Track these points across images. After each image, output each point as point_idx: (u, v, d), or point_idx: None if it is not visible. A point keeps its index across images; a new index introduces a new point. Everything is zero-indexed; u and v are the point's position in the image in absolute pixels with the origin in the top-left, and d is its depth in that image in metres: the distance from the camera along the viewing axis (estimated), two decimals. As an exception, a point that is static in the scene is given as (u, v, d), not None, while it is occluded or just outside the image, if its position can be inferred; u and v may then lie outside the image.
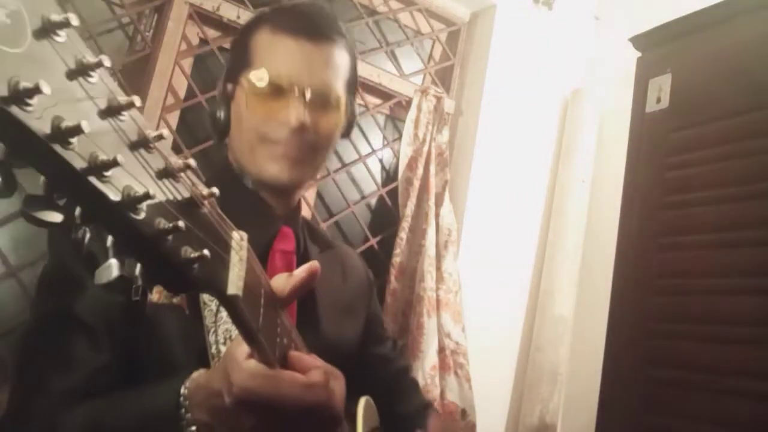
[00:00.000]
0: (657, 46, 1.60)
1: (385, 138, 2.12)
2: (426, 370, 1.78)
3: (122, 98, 0.36)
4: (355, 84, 0.93)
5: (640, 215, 1.53)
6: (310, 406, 0.54)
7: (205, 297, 0.74)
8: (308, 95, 0.82)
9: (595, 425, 1.48)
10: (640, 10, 2.18)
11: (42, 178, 0.33)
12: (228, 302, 0.46)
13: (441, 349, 1.84)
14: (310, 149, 0.85)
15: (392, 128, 2.17)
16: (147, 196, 0.35)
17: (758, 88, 1.35)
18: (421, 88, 2.09)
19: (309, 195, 1.94)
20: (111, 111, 0.35)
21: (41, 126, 0.30)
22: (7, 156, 0.31)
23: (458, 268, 1.95)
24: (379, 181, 2.10)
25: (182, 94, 1.72)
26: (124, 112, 0.36)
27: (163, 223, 0.37)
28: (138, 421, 0.64)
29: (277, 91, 0.82)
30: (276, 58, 0.84)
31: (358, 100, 2.06)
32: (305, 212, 1.91)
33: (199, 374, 0.61)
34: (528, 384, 2.05)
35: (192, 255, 0.40)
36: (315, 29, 0.85)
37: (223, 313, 0.73)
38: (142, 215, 0.36)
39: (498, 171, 2.14)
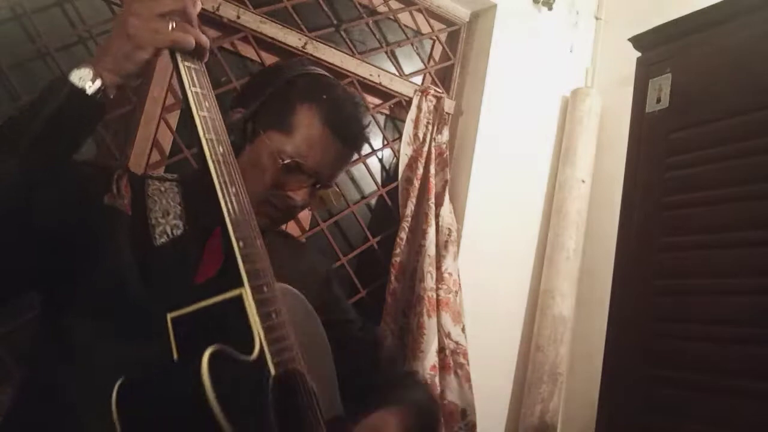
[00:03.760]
0: (657, 46, 1.60)
1: (385, 138, 2.12)
2: (426, 370, 1.78)
3: None
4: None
5: (640, 215, 1.52)
6: None
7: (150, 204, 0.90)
8: (319, 185, 0.98)
9: (595, 425, 1.48)
10: (640, 10, 2.18)
11: None
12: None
13: (441, 349, 1.84)
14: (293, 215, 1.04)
15: (392, 128, 2.17)
16: None
17: (758, 88, 1.35)
18: (421, 88, 2.09)
19: (309, 195, 1.94)
20: None
21: None
22: None
23: (458, 268, 1.95)
24: (379, 181, 2.10)
25: (182, 94, 1.73)
26: None
27: None
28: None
29: (297, 167, 0.94)
30: (312, 144, 0.95)
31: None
32: (305, 213, 1.92)
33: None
34: (528, 384, 2.05)
35: None
36: (352, 138, 1.00)
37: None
38: None
39: (498, 171, 2.14)
